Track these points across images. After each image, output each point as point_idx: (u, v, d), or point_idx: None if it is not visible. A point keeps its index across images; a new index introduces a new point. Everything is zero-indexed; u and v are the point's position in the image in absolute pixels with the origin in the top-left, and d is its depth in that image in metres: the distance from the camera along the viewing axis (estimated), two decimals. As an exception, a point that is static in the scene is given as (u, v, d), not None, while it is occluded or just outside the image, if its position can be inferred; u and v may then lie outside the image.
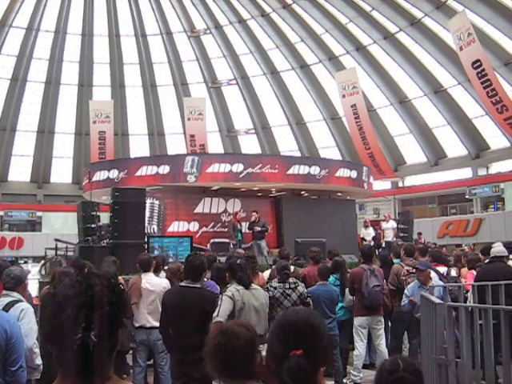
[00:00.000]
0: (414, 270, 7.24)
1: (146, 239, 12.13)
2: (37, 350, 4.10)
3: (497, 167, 26.94)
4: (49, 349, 1.49)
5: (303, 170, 16.56)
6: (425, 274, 6.89)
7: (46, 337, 1.50)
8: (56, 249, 16.09)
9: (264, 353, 1.84)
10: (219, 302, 4.69)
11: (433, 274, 7.32)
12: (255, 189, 17.03)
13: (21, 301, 4.28)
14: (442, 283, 6.68)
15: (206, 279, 5.80)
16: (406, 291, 6.98)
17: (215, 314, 4.57)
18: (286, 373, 1.54)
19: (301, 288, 6.04)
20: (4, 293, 4.36)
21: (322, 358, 1.65)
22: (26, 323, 4.07)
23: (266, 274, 8.01)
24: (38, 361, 4.10)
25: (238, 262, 5.08)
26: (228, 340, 2.26)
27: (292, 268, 8.16)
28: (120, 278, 7.07)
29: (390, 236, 17.27)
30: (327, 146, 32.57)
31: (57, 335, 1.44)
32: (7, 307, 4.16)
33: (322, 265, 7.39)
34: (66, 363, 1.43)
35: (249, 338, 2.29)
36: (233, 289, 4.79)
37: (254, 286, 5.01)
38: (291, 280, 6.04)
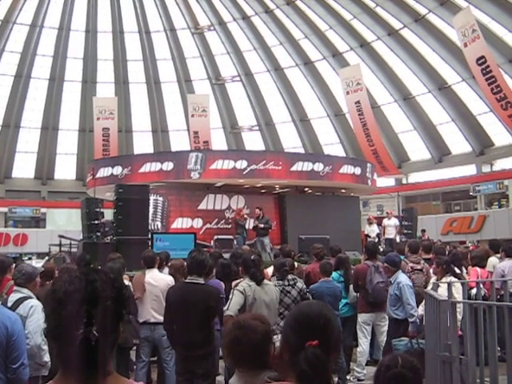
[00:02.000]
0: (419, 267, 7.25)
1: (149, 236, 12.15)
2: (45, 347, 4.12)
3: (501, 164, 26.84)
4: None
5: (307, 166, 16.54)
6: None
7: (47, 333, 1.49)
8: (60, 245, 16.21)
9: (278, 344, 1.92)
10: (230, 296, 4.79)
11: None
12: (259, 185, 17.02)
13: (31, 297, 4.30)
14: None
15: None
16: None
17: (225, 307, 4.65)
18: (304, 362, 1.62)
19: (300, 284, 6.08)
20: (15, 289, 4.39)
21: (334, 348, 1.75)
22: (35, 320, 4.09)
23: (269, 270, 8.01)
24: (46, 358, 4.12)
25: (252, 257, 5.14)
26: (245, 334, 2.38)
27: (296, 265, 8.18)
28: (125, 275, 7.08)
29: (391, 233, 17.01)
30: (331, 143, 32.49)
31: (58, 331, 1.44)
32: (17, 303, 4.20)
33: (324, 261, 7.41)
34: (68, 359, 1.43)
35: (264, 331, 2.42)
36: (245, 284, 4.89)
37: (265, 281, 5.11)
38: (290, 277, 6.08)
